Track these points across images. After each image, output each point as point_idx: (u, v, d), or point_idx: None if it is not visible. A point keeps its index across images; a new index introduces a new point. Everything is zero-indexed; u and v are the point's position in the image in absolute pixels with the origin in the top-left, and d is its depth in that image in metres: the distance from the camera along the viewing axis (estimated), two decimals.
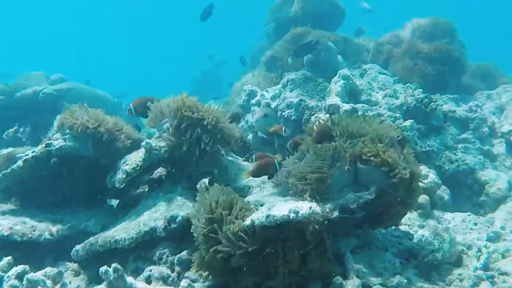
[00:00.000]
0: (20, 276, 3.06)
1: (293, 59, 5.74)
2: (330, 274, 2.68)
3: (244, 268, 2.50)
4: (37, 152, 3.80)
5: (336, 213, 2.79)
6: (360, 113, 4.93)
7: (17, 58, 25.36)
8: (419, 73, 6.02)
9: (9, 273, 3.08)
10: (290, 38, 6.62)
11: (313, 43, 5.77)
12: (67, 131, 3.88)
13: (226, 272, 2.58)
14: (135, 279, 3.12)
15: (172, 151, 3.68)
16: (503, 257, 3.47)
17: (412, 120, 4.91)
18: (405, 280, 2.77)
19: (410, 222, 3.92)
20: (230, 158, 4.14)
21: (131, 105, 3.97)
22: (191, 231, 2.77)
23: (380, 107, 5.18)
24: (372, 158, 2.79)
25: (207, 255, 2.56)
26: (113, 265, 2.89)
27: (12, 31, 33.25)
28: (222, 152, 4.05)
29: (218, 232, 2.53)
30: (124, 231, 3.41)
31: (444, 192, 4.54)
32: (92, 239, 3.48)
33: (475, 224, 4.18)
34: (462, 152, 5.08)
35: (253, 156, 3.87)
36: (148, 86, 22.78)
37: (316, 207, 2.44)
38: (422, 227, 3.95)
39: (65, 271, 3.43)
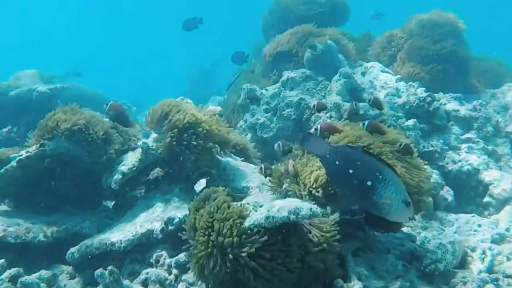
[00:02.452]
0: (13, 279, 3.06)
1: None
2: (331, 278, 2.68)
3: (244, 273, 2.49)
4: (31, 153, 3.80)
5: (337, 215, 2.79)
6: (361, 112, 4.93)
7: (13, 57, 25.32)
8: (421, 71, 6.02)
9: (2, 276, 3.07)
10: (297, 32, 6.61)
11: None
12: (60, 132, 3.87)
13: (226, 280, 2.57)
14: (131, 282, 3.13)
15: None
16: (508, 259, 3.48)
17: (415, 120, 4.91)
18: (408, 283, 2.78)
19: (412, 223, 3.92)
20: (228, 159, 4.14)
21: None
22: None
23: None
24: None
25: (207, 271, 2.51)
26: (109, 267, 2.89)
27: (8, 30, 33.23)
28: (221, 152, 4.06)
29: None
30: (120, 233, 3.42)
31: (447, 193, 4.54)
32: (87, 241, 3.48)
33: (479, 225, 4.18)
34: (465, 152, 5.09)
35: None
36: (146, 85, 22.80)
37: (316, 208, 2.44)
38: (425, 228, 3.95)
39: (60, 274, 3.43)
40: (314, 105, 4.46)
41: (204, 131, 3.61)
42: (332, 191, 2.73)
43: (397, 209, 2.32)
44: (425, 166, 3.27)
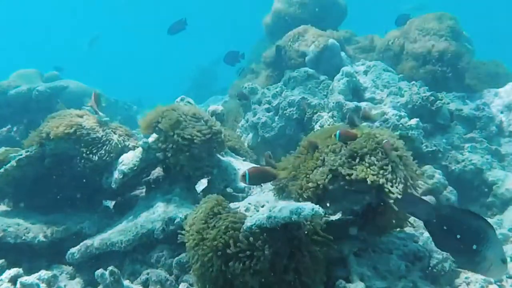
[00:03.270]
0: (13, 280, 3.06)
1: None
2: (332, 278, 2.68)
3: (244, 274, 2.49)
4: (31, 152, 3.80)
5: (339, 215, 2.79)
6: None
7: (12, 56, 25.36)
8: (424, 71, 6.01)
9: (2, 277, 3.08)
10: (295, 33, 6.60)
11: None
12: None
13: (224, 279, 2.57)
14: (132, 283, 3.13)
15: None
16: (511, 260, 3.47)
17: (418, 119, 4.89)
18: (411, 284, 2.77)
19: (415, 223, 3.91)
20: (230, 158, 4.14)
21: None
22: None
23: (384, 105, 5.17)
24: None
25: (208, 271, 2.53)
26: (110, 268, 2.89)
27: (8, 29, 33.27)
28: (222, 152, 4.05)
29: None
30: (120, 233, 3.42)
31: (450, 193, 4.52)
32: (87, 241, 3.48)
33: None
34: (469, 151, 5.07)
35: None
36: (146, 84, 22.83)
37: (319, 209, 2.44)
38: None
39: (60, 274, 3.44)
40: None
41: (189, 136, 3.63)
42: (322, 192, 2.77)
43: (496, 267, 2.28)
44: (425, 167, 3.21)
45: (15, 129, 6.68)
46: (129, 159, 3.77)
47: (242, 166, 4.06)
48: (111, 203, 4.29)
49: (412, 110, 5.12)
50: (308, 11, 7.31)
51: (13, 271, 3.10)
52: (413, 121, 4.84)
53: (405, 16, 7.00)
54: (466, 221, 2.43)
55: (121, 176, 3.66)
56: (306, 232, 2.53)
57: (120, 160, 3.83)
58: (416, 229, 3.81)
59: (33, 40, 33.14)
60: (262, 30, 8.32)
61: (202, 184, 3.84)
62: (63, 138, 3.79)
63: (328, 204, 2.79)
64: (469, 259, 2.39)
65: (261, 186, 3.58)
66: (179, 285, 3.04)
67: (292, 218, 2.36)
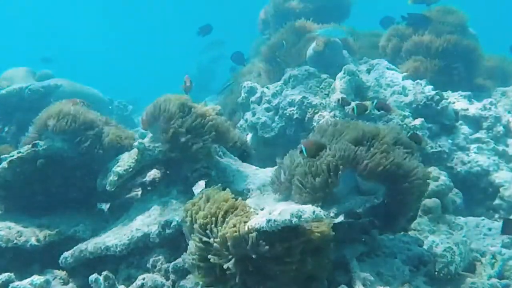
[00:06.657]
0: (5, 285, 3.06)
1: None
2: (334, 283, 2.68)
3: (243, 276, 2.49)
4: (23, 153, 3.80)
5: (341, 218, 2.79)
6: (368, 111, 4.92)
7: (4, 55, 25.36)
8: (429, 68, 6.01)
9: None
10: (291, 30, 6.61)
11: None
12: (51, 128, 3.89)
13: (223, 281, 2.58)
14: None
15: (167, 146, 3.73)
16: None
17: (422, 119, 4.90)
18: None
19: (420, 227, 3.91)
20: (228, 160, 4.13)
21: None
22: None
23: None
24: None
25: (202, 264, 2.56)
26: (104, 273, 2.90)
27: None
28: (220, 153, 4.05)
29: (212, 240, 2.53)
30: (115, 237, 3.41)
31: (456, 195, 4.52)
32: (81, 245, 3.47)
33: (489, 229, 4.16)
34: (475, 152, 5.07)
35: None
36: (144, 84, 22.81)
37: (320, 211, 2.44)
38: (432, 232, 3.94)
39: (53, 280, 3.44)
40: None
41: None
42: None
43: None
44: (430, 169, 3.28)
45: (6, 129, 6.67)
46: (124, 160, 3.78)
47: (242, 168, 4.06)
48: (105, 206, 4.29)
49: (416, 109, 5.12)
50: (309, 3, 7.32)
51: (4, 276, 3.10)
52: (418, 121, 4.85)
53: (389, 18, 7.05)
54: None
55: (116, 178, 3.66)
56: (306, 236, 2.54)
57: (115, 161, 3.83)
58: (421, 233, 3.82)
59: (28, 39, 33.14)
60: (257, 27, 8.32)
61: (199, 186, 3.83)
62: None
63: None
64: None
65: (261, 188, 3.58)
66: None
67: (293, 221, 2.36)
